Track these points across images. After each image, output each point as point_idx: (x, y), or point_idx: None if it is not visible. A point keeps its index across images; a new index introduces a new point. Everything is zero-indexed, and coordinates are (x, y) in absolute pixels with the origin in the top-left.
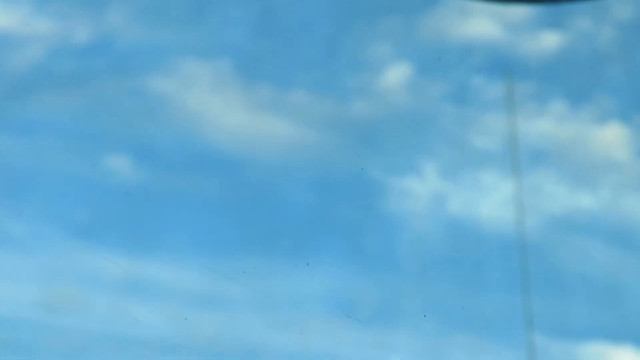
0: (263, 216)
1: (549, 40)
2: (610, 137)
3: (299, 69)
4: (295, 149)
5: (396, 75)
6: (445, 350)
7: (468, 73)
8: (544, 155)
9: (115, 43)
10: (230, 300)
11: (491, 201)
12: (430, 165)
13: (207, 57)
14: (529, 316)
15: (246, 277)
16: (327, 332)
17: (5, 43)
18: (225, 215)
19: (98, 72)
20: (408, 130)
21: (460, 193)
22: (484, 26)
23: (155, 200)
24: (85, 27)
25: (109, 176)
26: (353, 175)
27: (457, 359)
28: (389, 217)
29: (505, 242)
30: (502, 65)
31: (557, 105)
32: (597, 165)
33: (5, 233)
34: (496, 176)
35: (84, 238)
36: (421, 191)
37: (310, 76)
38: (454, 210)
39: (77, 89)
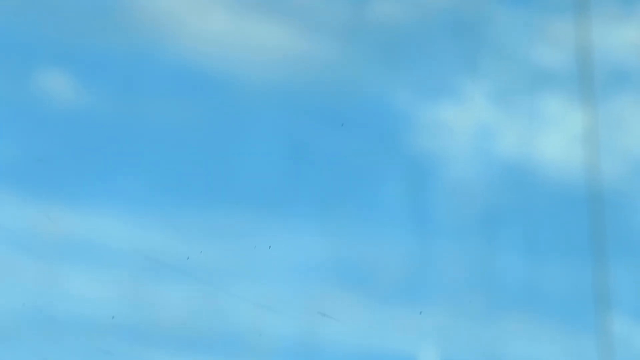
0: (246, 158)
1: None
2: None
3: None
4: (294, 66)
5: None
6: (493, 335)
7: None
8: (627, 76)
9: None
10: (198, 268)
11: (556, 137)
12: (474, 88)
13: None
14: (603, 291)
15: (220, 236)
16: (329, 307)
17: None
18: (197, 157)
19: None
20: (446, 41)
21: (514, 126)
22: None
23: (102, 133)
24: None
25: (43, 101)
26: (371, 102)
27: (509, 347)
28: (417, 159)
29: (574, 192)
30: None
31: None
32: None
33: None
34: (563, 104)
35: (6, 183)
36: (462, 123)
37: None
38: (505, 149)
39: None
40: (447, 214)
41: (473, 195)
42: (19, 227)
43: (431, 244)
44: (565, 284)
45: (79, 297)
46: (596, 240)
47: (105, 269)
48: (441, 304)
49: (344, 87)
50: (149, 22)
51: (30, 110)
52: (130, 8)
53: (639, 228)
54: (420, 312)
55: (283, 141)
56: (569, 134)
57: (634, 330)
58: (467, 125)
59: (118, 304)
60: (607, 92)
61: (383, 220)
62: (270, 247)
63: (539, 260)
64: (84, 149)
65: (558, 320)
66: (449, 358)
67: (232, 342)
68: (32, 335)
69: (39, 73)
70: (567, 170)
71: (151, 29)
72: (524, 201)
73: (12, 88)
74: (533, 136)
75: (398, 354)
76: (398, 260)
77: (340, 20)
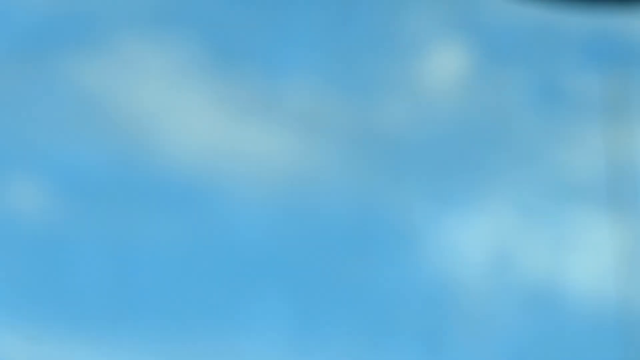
0: (234, 281)
1: None
2: None
3: (297, 51)
4: (288, 177)
5: (447, 62)
6: None
7: (556, 63)
8: None
9: (14, 14)
10: None
11: (588, 256)
12: (494, 199)
13: (161, 33)
14: None
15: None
16: None
17: None
18: (183, 277)
19: None
20: (463, 147)
21: (539, 243)
22: None
23: (74, 247)
24: None
25: (9, 210)
26: (376, 215)
27: None
28: (429, 279)
29: (605, 320)
30: (607, 53)
31: None
32: None
33: None
34: (593, 218)
35: None
36: (480, 240)
37: (314, 61)
38: (529, 269)
39: None
40: (464, 340)
41: (492, 321)
42: None
43: None
44: None
45: None
46: None
47: None
48: None
49: (345, 200)
50: (127, 121)
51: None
52: (106, 104)
53: None
54: None
55: (277, 260)
56: (602, 252)
57: None
58: (486, 242)
59: None
60: None
61: (390, 344)
62: None
63: None
64: (54, 266)
65: None
66: None
67: None
68: None
69: (10, 181)
70: (597, 296)
71: (130, 130)
72: (550, 329)
73: None
74: (561, 255)
75: None
76: None
77: (340, 122)
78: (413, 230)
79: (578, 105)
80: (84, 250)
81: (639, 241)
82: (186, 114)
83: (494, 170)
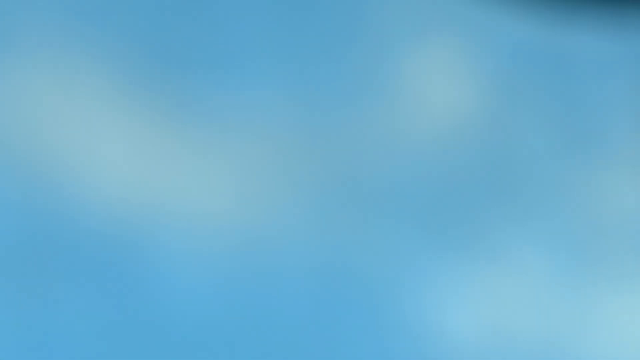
0: None
1: None
2: None
3: (252, 64)
4: (243, 224)
5: (445, 82)
6: None
7: (588, 94)
8: None
9: None
10: None
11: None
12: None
13: (81, 40)
14: None
15: None
16: None
17: None
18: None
19: None
20: (471, 193)
21: (554, 316)
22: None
23: None
24: None
25: None
26: (354, 280)
27: None
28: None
29: None
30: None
31: None
32: None
33: None
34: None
35: None
36: (473, 312)
37: (274, 74)
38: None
39: None
40: None
41: None
42: None
43: None
44: None
45: None
46: None
47: None
48: None
49: (316, 257)
50: (34, 153)
51: None
52: (6, 127)
53: None
54: None
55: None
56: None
57: None
58: (483, 315)
59: None
60: None
61: None
62: None
63: None
64: None
65: None
66: None
67: None
68: None
69: None
70: None
71: (37, 165)
72: None
73: None
74: (599, 338)
75: None
76: None
77: (306, 160)
78: (389, 297)
79: (616, 146)
80: None
81: None
82: (108, 147)
83: (508, 228)
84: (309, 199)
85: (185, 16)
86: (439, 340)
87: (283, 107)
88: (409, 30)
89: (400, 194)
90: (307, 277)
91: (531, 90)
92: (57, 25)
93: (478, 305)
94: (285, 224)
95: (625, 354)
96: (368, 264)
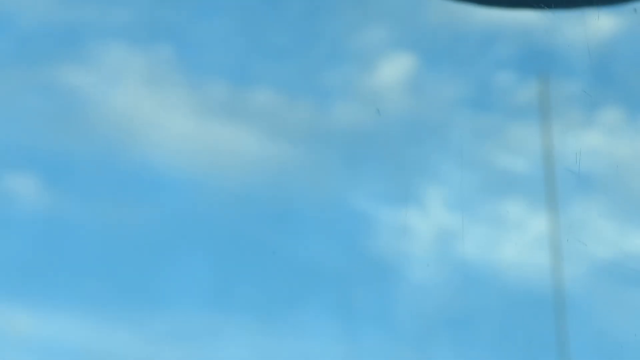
0: (212, 263)
1: (602, 29)
2: None
3: (262, 60)
4: (256, 170)
5: (393, 69)
6: None
7: (491, 69)
8: (590, 181)
9: (15, 22)
10: None
11: (519, 242)
12: (437, 192)
13: (141, 43)
14: None
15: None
16: None
17: None
18: (157, 259)
19: None
20: (408, 145)
21: (477, 231)
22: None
23: (68, 237)
24: None
25: (8, 203)
26: (332, 206)
27: None
28: (380, 263)
29: (537, 296)
30: (537, 59)
31: (609, 114)
32: None
33: None
34: (526, 209)
35: None
36: (424, 228)
37: (277, 70)
38: (468, 253)
39: None
40: (410, 319)
41: (435, 300)
42: None
43: (395, 347)
44: None
45: None
46: (560, 344)
47: None
48: None
49: (304, 192)
50: (112, 122)
51: None
52: (95, 107)
53: (602, 332)
54: None
55: (241, 243)
56: (532, 238)
57: None
58: (429, 230)
59: None
60: (571, 197)
61: (348, 324)
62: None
63: None
64: (47, 255)
65: None
66: None
67: None
68: None
69: (4, 176)
70: (530, 275)
71: (115, 130)
72: (487, 306)
73: None
74: (496, 241)
75: None
76: None
77: (300, 123)
78: (364, 214)
79: (511, 107)
80: (82, 241)
81: (565, 226)
82: (163, 116)
83: (434, 168)
84: (303, 147)
85: None
86: (397, 237)
87: (286, 94)
88: None
89: (361, 146)
90: (295, 196)
91: None
92: None
93: (423, 220)
94: (288, 162)
95: None
96: (342, 191)
